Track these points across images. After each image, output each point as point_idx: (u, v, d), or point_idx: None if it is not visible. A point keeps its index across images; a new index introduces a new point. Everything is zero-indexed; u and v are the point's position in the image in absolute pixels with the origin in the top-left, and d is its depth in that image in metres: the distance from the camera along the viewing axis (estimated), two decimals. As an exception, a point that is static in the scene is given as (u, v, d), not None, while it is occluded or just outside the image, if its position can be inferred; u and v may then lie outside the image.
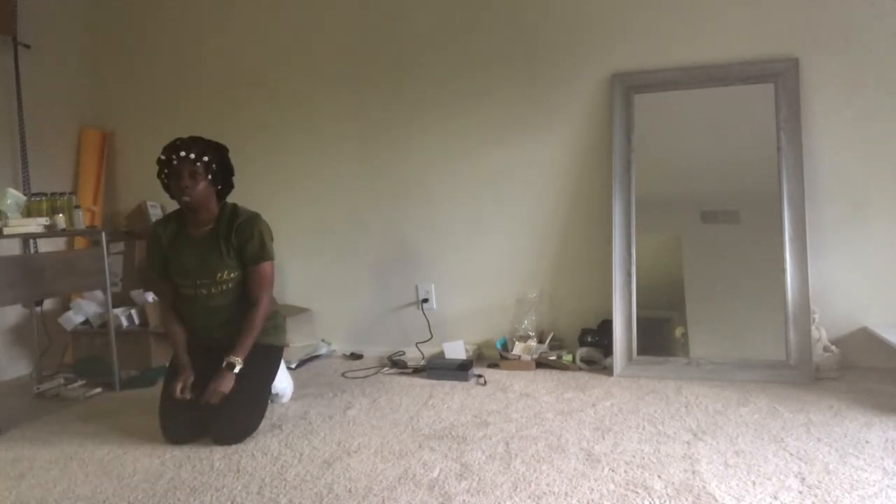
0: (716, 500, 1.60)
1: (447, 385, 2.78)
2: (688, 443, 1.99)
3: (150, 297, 3.28)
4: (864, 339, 2.76)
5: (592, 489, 1.70)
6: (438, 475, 1.83)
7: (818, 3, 2.80)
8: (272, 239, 2.39)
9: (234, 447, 2.12)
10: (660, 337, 2.92)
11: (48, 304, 3.48)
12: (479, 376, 2.86)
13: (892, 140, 2.75)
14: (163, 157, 2.23)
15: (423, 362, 3.09)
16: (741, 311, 2.82)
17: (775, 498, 1.60)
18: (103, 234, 2.99)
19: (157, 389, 2.50)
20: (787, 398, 2.38)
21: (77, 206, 3.08)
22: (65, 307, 3.49)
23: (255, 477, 1.89)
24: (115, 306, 3.11)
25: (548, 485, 1.73)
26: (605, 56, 3.08)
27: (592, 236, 3.12)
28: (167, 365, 2.43)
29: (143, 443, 2.21)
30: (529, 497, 1.67)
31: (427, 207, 3.40)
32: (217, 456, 2.05)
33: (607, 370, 2.85)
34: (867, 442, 1.93)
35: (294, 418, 2.40)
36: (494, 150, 3.27)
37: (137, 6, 3.86)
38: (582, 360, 2.95)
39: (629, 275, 2.93)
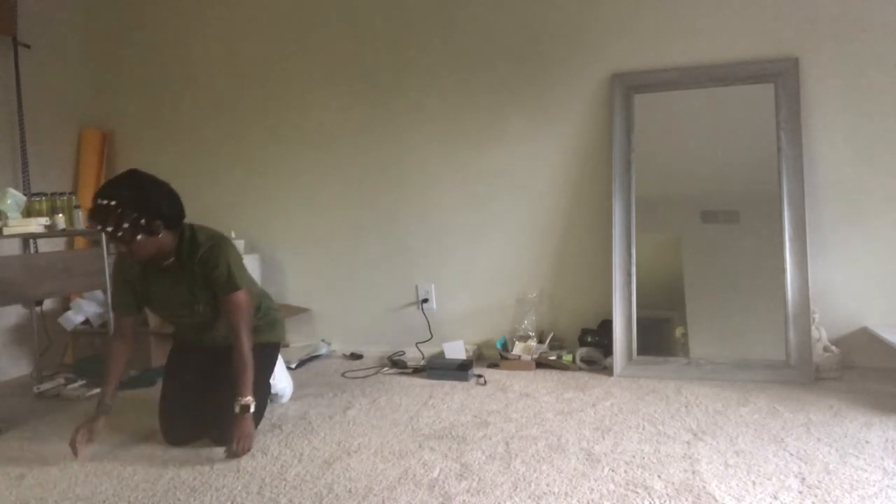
0: (716, 500, 1.60)
1: (447, 385, 2.78)
2: (688, 443, 1.99)
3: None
4: (864, 339, 2.76)
5: (592, 489, 1.70)
6: (438, 475, 1.83)
7: (818, 2, 2.80)
8: (241, 265, 2.21)
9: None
10: (660, 337, 2.92)
11: (48, 304, 3.48)
12: (479, 376, 2.86)
13: (892, 140, 2.75)
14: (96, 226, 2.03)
15: (423, 362, 3.09)
16: (741, 312, 2.82)
17: (775, 498, 1.60)
18: (103, 235, 2.98)
19: (156, 389, 2.49)
20: (787, 398, 2.38)
21: (77, 206, 3.07)
22: (65, 307, 3.49)
23: (255, 477, 1.88)
24: (114, 306, 3.10)
25: (548, 485, 1.73)
26: (605, 56, 3.08)
27: (592, 236, 3.12)
28: (166, 365, 2.43)
29: (143, 443, 2.21)
30: (529, 497, 1.67)
31: (427, 207, 3.40)
32: (217, 456, 2.04)
33: (607, 370, 2.85)
34: (867, 442, 1.93)
35: (294, 418, 2.40)
36: (495, 150, 3.27)
37: (137, 6, 3.86)
38: (582, 360, 2.95)
39: (629, 275, 2.93)
